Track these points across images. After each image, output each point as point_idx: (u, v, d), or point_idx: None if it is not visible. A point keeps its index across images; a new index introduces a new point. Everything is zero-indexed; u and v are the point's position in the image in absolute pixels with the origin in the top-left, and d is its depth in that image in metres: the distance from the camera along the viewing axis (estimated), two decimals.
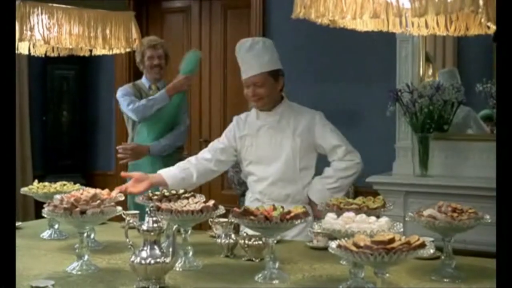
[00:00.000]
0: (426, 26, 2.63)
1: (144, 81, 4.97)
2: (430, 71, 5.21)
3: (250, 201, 3.57)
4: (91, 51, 3.67)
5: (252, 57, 3.51)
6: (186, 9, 6.74)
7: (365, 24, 2.70)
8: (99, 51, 3.64)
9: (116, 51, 3.65)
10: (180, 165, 3.60)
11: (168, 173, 3.51)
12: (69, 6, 3.30)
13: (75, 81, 6.94)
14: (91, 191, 2.91)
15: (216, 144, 3.69)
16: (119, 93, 4.89)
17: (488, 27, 2.26)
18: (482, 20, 2.11)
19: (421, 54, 4.95)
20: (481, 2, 2.01)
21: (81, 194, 2.81)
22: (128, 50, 3.66)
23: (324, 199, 3.36)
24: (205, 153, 3.65)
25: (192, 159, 3.63)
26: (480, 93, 4.59)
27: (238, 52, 3.58)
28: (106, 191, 3.02)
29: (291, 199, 3.50)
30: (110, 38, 3.46)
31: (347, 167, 3.54)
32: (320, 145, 3.56)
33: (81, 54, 3.74)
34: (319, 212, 3.23)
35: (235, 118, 3.75)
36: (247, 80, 3.52)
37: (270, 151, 3.56)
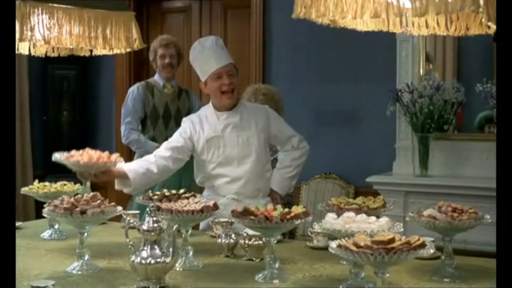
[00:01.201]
0: (427, 26, 2.64)
1: (157, 78, 4.99)
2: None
3: (225, 205, 3.27)
4: (91, 51, 3.68)
5: (220, 49, 3.55)
6: (186, 9, 6.74)
7: (365, 24, 2.71)
8: (99, 51, 3.65)
9: (116, 51, 3.66)
10: (139, 161, 3.52)
11: (129, 167, 3.33)
12: (69, 6, 3.30)
13: (75, 81, 6.94)
14: (92, 152, 3.05)
15: (173, 143, 3.55)
16: (129, 96, 4.93)
17: (489, 27, 2.26)
18: (483, 20, 2.11)
19: (421, 54, 4.96)
20: (481, 2, 2.01)
21: (81, 154, 2.94)
22: (128, 50, 3.67)
23: (286, 187, 3.70)
24: (162, 151, 3.52)
25: (150, 156, 3.51)
26: (480, 93, 4.59)
27: (203, 48, 3.54)
28: (106, 154, 3.08)
29: (262, 193, 3.60)
30: (110, 38, 3.46)
31: (301, 155, 3.74)
32: (276, 137, 3.69)
33: (82, 54, 3.74)
34: (278, 200, 3.58)
35: (188, 120, 3.66)
36: (222, 69, 3.49)
37: (239, 150, 3.55)
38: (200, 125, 3.59)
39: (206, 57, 3.52)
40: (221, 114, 3.58)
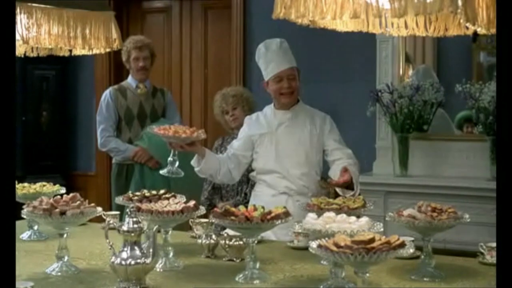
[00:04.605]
0: (406, 26, 2.65)
1: (130, 81, 5.00)
2: (410, 72, 5.23)
3: (272, 195, 3.63)
4: (70, 51, 3.65)
5: (283, 53, 3.70)
6: (166, 9, 6.72)
7: (345, 24, 2.71)
8: (78, 51, 3.62)
9: (96, 51, 3.63)
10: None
11: (210, 152, 3.66)
12: (48, 6, 3.27)
13: (55, 81, 6.88)
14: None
15: (235, 142, 3.80)
16: (102, 102, 4.98)
17: (467, 28, 2.27)
18: (461, 20, 2.13)
19: (401, 55, 4.97)
20: (460, 3, 2.02)
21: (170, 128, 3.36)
22: (108, 50, 3.65)
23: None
24: (230, 151, 3.75)
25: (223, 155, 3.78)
26: (459, 94, 4.61)
27: (267, 50, 3.71)
28: (192, 129, 3.37)
29: (311, 193, 3.63)
30: (89, 38, 3.44)
31: (355, 163, 3.64)
32: (327, 145, 3.74)
33: (61, 54, 3.71)
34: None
35: (246, 120, 3.90)
36: (282, 72, 3.65)
37: (290, 148, 3.67)
38: (257, 122, 3.80)
39: (269, 60, 3.69)
40: (279, 112, 3.76)
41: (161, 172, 3.46)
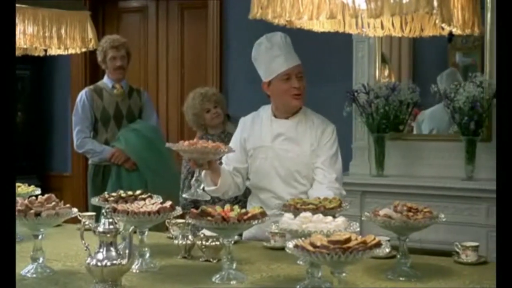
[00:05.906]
0: (382, 27, 2.65)
1: (106, 81, 4.99)
2: (386, 72, 5.26)
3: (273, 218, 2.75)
4: (46, 51, 3.63)
5: (289, 47, 3.29)
6: (143, 9, 6.70)
7: (321, 24, 2.71)
8: (54, 51, 3.60)
9: (71, 51, 3.61)
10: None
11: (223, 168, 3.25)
12: (23, 5, 3.24)
13: (30, 81, 6.85)
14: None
15: (231, 155, 3.30)
16: (78, 103, 4.98)
17: (443, 28, 2.29)
18: (437, 21, 2.14)
19: (377, 55, 5.00)
20: (435, 4, 2.03)
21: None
22: (83, 50, 3.63)
23: None
24: (227, 165, 3.33)
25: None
26: (435, 94, 4.65)
27: (272, 45, 3.27)
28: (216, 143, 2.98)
29: None
30: (65, 38, 3.41)
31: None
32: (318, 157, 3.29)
33: (36, 54, 3.69)
34: None
35: (241, 123, 3.47)
36: (292, 69, 3.25)
37: (287, 167, 3.27)
38: (251, 128, 3.37)
39: (275, 55, 3.26)
40: (277, 120, 3.32)
41: (184, 195, 3.18)
